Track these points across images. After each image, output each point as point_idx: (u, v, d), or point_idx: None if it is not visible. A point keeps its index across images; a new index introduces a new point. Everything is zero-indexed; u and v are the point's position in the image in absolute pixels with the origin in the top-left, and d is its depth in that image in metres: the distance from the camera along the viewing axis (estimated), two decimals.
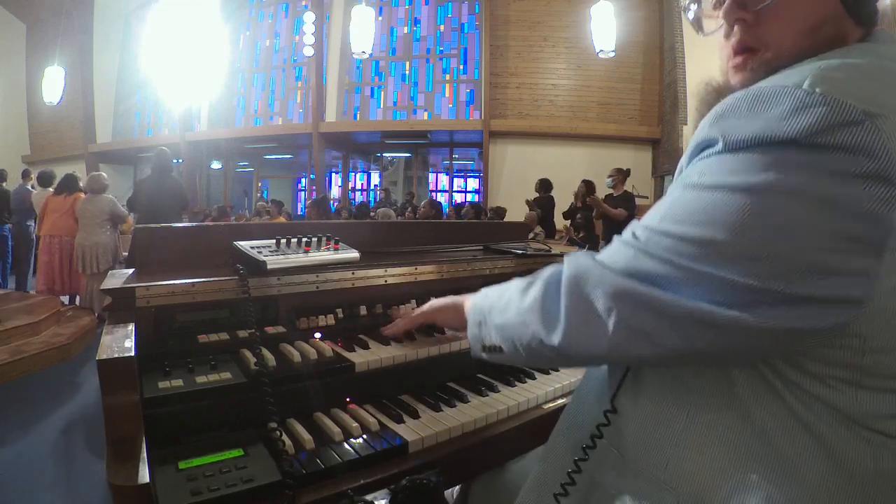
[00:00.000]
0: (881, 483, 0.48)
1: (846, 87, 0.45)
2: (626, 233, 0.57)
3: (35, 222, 6.14)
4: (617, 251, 0.56)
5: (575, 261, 0.58)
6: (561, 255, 1.59)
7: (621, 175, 5.04)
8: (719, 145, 0.49)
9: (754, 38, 0.58)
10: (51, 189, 5.73)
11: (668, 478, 0.55)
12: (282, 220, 6.64)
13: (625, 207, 4.82)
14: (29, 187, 6.35)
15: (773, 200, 0.45)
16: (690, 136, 0.57)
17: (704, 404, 0.55)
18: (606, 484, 0.61)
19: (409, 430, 0.86)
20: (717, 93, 0.66)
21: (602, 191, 5.30)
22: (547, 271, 0.64)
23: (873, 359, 0.47)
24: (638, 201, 5.11)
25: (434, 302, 0.93)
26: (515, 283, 0.68)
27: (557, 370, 1.18)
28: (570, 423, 0.72)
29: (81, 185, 5.35)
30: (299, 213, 11.95)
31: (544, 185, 6.35)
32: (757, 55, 0.58)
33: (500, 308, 0.68)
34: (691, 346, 0.50)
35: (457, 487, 0.92)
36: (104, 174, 5.16)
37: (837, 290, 0.44)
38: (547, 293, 0.61)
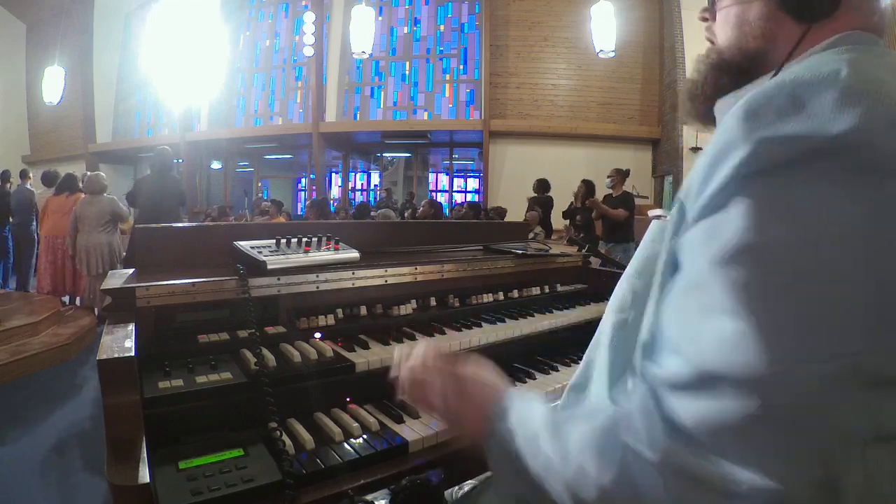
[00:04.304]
0: None
1: (885, 80, 0.40)
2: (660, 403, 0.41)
3: (36, 222, 6.14)
4: (701, 407, 0.39)
5: (639, 440, 0.41)
6: (559, 256, 1.59)
7: (620, 175, 5.07)
8: (743, 154, 0.40)
9: (710, 33, 0.65)
10: (52, 189, 5.72)
11: None
12: (281, 219, 6.63)
13: (624, 207, 4.86)
14: (28, 187, 6.31)
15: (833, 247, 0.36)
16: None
17: None
18: None
19: (410, 430, 0.86)
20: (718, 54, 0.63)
21: (601, 191, 5.32)
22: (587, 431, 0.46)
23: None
24: (638, 201, 5.13)
25: (461, 381, 0.63)
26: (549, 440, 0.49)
27: (557, 370, 1.18)
28: None
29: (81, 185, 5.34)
30: (299, 213, 11.95)
31: (542, 186, 6.36)
32: (713, 46, 0.64)
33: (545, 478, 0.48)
34: None
35: (456, 487, 0.92)
36: (102, 174, 5.14)
37: None
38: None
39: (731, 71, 0.59)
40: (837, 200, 0.37)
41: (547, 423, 0.50)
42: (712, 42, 0.64)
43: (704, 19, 0.66)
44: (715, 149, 0.43)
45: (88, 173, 5.20)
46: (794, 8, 0.53)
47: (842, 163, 0.37)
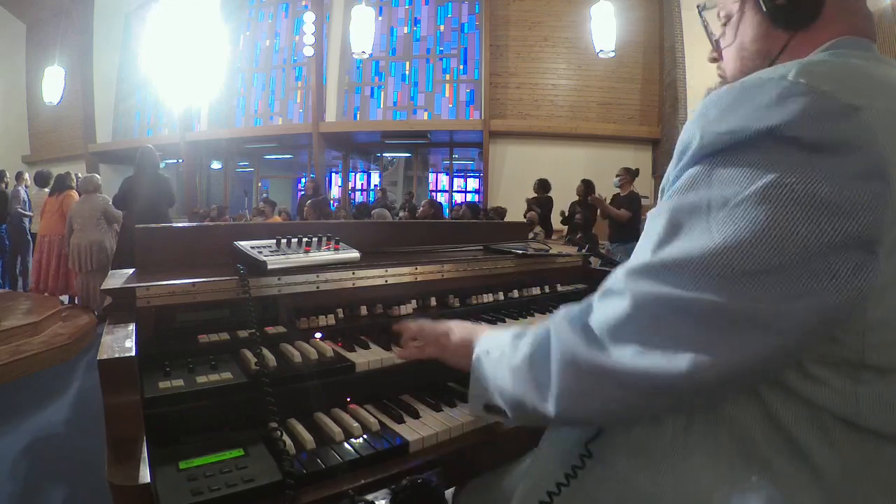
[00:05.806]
0: None
1: (829, 79, 0.46)
2: (618, 279, 0.53)
3: (30, 222, 6.22)
4: (606, 309, 0.52)
5: (560, 337, 0.55)
6: (559, 256, 1.59)
7: (629, 175, 4.95)
8: (695, 145, 0.50)
9: (721, 70, 0.70)
10: (47, 190, 5.80)
11: (660, 492, 0.54)
12: (277, 219, 6.62)
13: (629, 208, 4.78)
14: (21, 188, 6.38)
15: (763, 209, 0.44)
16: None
17: (690, 420, 0.54)
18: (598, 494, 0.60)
19: (410, 430, 0.86)
20: None
21: (607, 190, 5.24)
22: (534, 332, 0.61)
23: (874, 352, 0.45)
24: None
25: (452, 338, 0.83)
26: (509, 342, 0.65)
27: None
28: (556, 433, 0.71)
29: (74, 184, 5.40)
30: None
31: (543, 186, 6.34)
32: (723, 81, 0.70)
33: (501, 372, 0.64)
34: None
35: (456, 487, 0.92)
36: (97, 175, 5.23)
37: (837, 292, 0.43)
38: (534, 362, 0.59)
39: None
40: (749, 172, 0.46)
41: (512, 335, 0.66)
42: (724, 78, 0.70)
43: (714, 60, 0.71)
44: (681, 144, 0.53)
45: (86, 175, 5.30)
46: (781, 20, 0.60)
47: (765, 148, 0.45)
